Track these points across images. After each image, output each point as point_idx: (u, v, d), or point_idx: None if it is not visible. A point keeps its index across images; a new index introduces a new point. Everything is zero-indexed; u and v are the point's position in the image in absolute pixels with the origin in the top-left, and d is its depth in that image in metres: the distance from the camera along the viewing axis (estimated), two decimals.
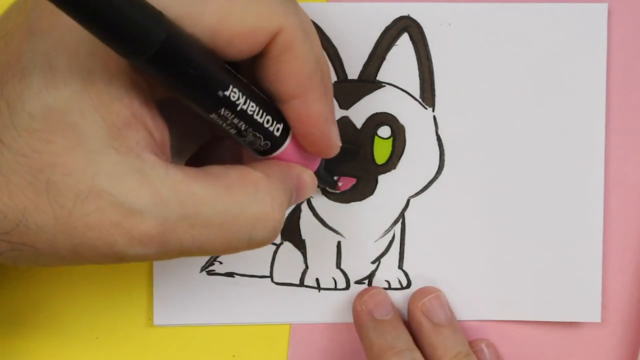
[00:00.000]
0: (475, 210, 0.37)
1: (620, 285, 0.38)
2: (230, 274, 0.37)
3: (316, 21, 0.36)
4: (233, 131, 0.27)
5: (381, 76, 0.36)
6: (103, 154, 0.23)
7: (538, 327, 0.38)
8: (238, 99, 0.26)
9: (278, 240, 0.37)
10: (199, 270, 0.37)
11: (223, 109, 0.26)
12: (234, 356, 0.38)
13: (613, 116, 0.37)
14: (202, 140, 0.33)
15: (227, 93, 0.25)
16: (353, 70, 0.36)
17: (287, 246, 0.37)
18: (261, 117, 0.27)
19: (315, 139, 0.29)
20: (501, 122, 0.37)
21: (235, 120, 0.26)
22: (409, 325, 0.37)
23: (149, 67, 0.23)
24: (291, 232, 0.37)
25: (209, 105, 0.25)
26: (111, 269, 0.37)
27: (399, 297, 0.38)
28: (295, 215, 0.37)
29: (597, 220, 0.37)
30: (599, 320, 0.37)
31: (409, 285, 0.38)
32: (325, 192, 0.37)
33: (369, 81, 0.36)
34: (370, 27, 0.36)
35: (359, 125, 0.37)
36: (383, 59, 0.36)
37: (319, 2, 0.36)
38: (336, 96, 0.36)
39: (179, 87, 0.25)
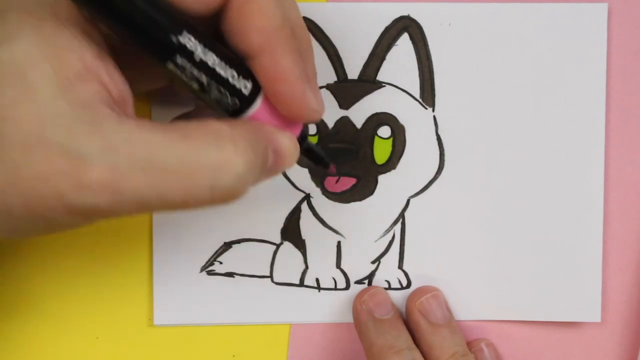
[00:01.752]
0: (476, 210, 0.37)
1: (620, 285, 0.38)
2: (230, 274, 0.37)
3: (316, 21, 0.36)
4: (195, 85, 0.26)
5: (381, 76, 0.36)
6: (53, 106, 0.23)
7: (538, 327, 0.38)
8: (195, 48, 0.25)
9: (278, 240, 0.37)
10: (199, 270, 0.37)
11: (179, 57, 0.25)
12: (233, 356, 0.38)
13: (613, 116, 0.37)
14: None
15: (181, 39, 0.25)
16: (353, 70, 0.36)
17: (287, 246, 0.37)
18: (225, 71, 0.26)
19: (286, 98, 0.28)
20: (501, 122, 0.37)
21: (195, 72, 0.26)
22: (408, 324, 0.37)
23: (88, 5, 0.23)
24: (291, 232, 0.37)
25: (162, 51, 0.25)
26: (112, 268, 0.37)
27: (399, 297, 0.38)
28: (295, 215, 0.37)
29: (597, 220, 0.37)
30: (599, 320, 0.37)
31: (409, 285, 0.38)
32: (325, 192, 0.37)
33: (369, 81, 0.36)
34: (370, 27, 0.36)
35: (359, 125, 0.37)
36: (383, 59, 0.36)
37: (319, 2, 0.36)
38: (336, 96, 0.36)
39: (130, 32, 0.24)
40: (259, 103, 0.28)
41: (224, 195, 0.26)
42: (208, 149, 0.25)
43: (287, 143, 0.29)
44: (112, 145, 0.24)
